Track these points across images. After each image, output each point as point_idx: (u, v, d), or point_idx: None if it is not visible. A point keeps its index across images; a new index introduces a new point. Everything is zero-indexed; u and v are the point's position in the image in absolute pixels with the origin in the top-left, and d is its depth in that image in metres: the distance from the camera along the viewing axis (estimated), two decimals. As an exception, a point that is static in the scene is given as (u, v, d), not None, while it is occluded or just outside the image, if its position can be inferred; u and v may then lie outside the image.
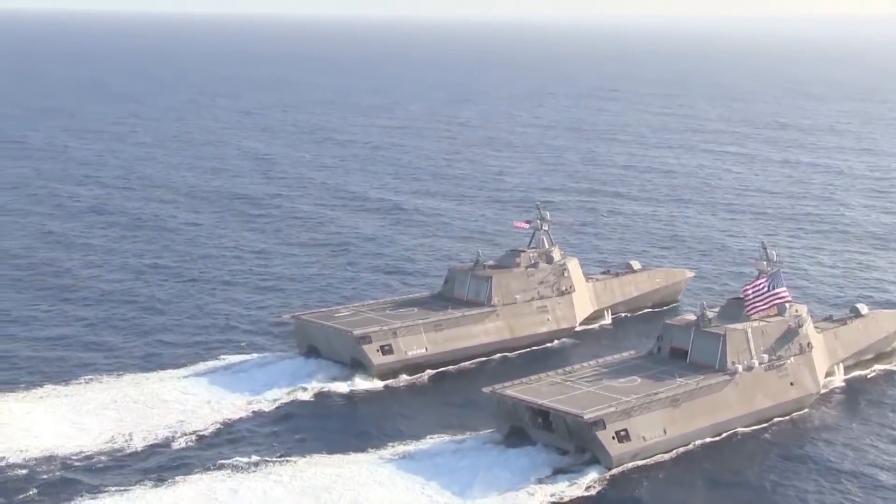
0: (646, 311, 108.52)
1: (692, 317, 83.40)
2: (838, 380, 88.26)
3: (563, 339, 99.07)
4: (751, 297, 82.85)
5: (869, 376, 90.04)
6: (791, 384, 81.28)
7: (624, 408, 71.85)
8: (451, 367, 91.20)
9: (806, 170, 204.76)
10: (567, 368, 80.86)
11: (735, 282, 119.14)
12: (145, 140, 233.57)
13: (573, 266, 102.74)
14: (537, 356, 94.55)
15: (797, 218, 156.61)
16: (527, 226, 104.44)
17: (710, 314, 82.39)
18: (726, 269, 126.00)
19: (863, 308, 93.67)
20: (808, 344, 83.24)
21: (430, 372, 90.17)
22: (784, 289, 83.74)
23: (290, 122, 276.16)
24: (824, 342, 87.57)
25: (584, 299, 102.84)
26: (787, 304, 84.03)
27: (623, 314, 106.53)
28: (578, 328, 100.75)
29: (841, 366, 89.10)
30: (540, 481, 68.51)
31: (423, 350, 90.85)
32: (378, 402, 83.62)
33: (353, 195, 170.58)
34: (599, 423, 70.23)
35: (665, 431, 73.33)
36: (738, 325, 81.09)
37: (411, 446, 73.46)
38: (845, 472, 71.41)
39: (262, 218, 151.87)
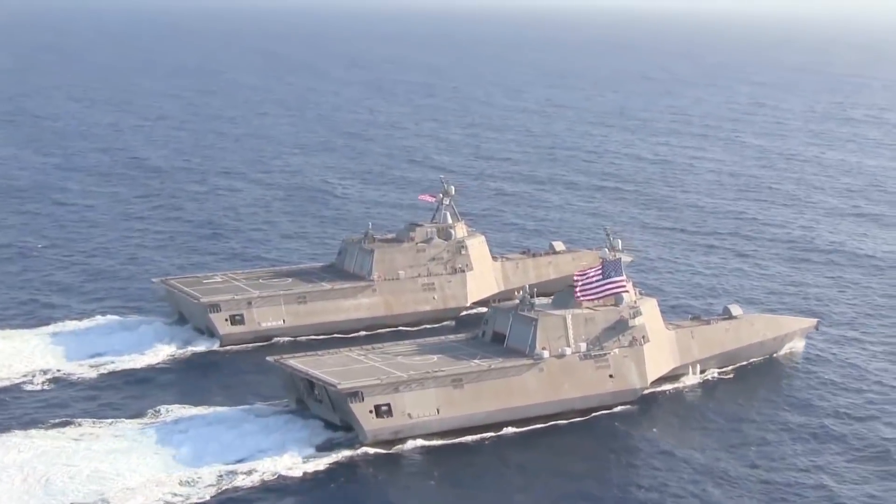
0: None
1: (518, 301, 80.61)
2: (692, 380, 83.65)
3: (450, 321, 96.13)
4: (580, 283, 79.56)
5: (724, 380, 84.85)
6: (610, 376, 77.63)
7: (390, 382, 70.06)
8: (312, 339, 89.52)
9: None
10: (378, 345, 79.36)
11: (672, 272, 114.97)
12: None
13: (474, 244, 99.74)
14: (411, 335, 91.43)
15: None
16: (432, 199, 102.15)
17: (534, 299, 79.53)
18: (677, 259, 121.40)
19: (735, 309, 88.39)
20: (643, 337, 79.25)
21: (280, 341, 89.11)
22: (622, 278, 80.00)
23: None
24: (675, 339, 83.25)
25: (485, 279, 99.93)
26: (624, 295, 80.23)
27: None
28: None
29: (697, 366, 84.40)
30: (296, 453, 67.13)
31: (281, 322, 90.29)
32: (204, 368, 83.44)
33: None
34: (357, 396, 68.63)
35: (438, 411, 71.09)
36: (557, 312, 77.98)
37: (193, 411, 73.15)
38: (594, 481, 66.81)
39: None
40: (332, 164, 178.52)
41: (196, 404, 74.17)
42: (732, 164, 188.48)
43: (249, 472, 64.43)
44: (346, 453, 68.02)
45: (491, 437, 72.03)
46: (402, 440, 69.83)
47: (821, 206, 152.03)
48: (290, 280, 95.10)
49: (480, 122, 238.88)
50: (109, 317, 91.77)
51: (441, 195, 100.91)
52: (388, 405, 69.32)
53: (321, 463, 66.57)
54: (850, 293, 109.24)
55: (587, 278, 79.35)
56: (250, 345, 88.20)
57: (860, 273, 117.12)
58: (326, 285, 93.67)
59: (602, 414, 76.44)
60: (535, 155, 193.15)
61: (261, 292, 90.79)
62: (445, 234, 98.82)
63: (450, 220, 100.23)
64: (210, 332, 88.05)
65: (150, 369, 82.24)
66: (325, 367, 72.71)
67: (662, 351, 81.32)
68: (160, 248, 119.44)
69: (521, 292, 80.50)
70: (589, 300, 79.27)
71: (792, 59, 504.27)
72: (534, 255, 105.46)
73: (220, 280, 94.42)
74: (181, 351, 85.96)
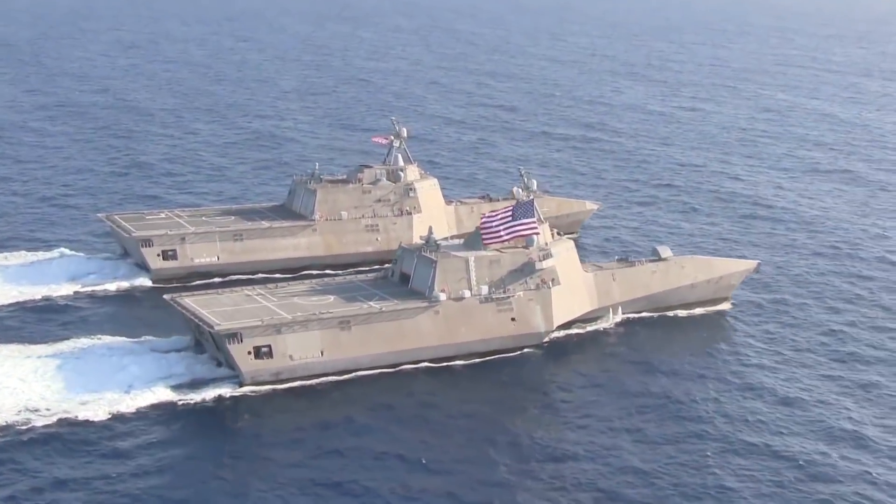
0: None
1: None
2: (608, 322, 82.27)
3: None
4: (486, 226, 78.47)
5: (643, 324, 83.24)
6: (512, 319, 76.74)
7: (271, 323, 70.22)
8: (249, 277, 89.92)
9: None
10: (283, 283, 79.55)
11: (640, 219, 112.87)
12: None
13: (425, 186, 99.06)
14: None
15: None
16: (384, 141, 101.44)
17: (442, 241, 78.80)
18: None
19: (664, 251, 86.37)
20: (553, 280, 78.03)
21: (218, 280, 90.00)
22: (533, 220, 78.63)
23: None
24: (594, 282, 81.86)
25: (435, 222, 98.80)
26: (535, 237, 78.94)
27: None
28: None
29: (619, 309, 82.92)
30: (174, 388, 68.06)
31: (215, 259, 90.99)
32: (118, 302, 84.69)
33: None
34: (235, 337, 68.94)
35: (322, 353, 71.13)
36: (459, 254, 77.14)
37: (92, 342, 74.26)
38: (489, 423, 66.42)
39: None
40: (314, 107, 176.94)
41: (99, 334, 75.16)
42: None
43: (116, 402, 65.50)
44: (226, 391, 68.31)
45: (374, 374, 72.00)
46: (284, 381, 69.93)
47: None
48: (232, 218, 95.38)
49: (496, 71, 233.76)
50: (61, 249, 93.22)
51: (392, 137, 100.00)
52: (269, 346, 69.51)
53: (196, 398, 67.32)
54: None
55: (495, 220, 78.14)
56: (183, 281, 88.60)
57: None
58: (265, 223, 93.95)
59: (499, 357, 75.50)
60: (535, 104, 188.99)
61: (196, 228, 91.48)
62: (394, 176, 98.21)
63: (401, 163, 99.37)
64: (144, 267, 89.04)
65: (72, 299, 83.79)
66: (216, 306, 73.11)
67: (576, 294, 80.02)
68: (118, 183, 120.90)
69: (427, 234, 79.60)
70: (496, 243, 78.13)
71: None
72: (491, 200, 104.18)
73: (163, 217, 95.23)
74: (109, 284, 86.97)
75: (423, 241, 78.61)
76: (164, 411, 65.59)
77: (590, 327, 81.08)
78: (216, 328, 68.70)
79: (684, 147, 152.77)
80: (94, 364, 69.92)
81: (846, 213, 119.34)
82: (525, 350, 76.85)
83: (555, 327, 78.12)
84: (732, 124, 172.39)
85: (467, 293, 75.47)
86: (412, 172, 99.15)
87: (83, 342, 73.51)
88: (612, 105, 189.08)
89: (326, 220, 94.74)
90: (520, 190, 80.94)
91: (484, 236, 78.09)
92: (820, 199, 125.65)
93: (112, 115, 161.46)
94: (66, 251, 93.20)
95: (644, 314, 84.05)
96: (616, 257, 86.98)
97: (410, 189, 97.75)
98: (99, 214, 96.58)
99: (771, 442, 64.10)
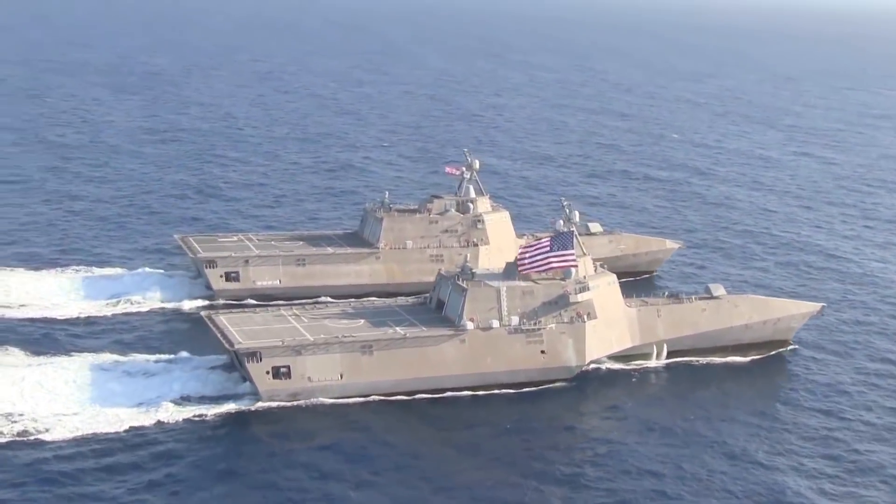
0: None
1: (466, 271, 79.57)
2: (655, 362, 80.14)
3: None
4: (523, 256, 77.76)
5: (690, 367, 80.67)
6: (542, 352, 75.63)
7: (291, 344, 71.21)
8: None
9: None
10: (317, 305, 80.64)
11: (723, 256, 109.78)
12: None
13: (494, 219, 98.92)
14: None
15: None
16: (456, 172, 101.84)
17: (476, 269, 78.51)
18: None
19: (717, 289, 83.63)
20: (589, 314, 76.67)
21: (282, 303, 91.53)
22: (571, 252, 77.48)
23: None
24: (636, 317, 80.00)
25: (503, 254, 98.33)
26: (573, 269, 77.75)
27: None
28: None
29: (664, 347, 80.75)
30: (182, 401, 69.86)
31: (277, 282, 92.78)
32: (172, 320, 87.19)
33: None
34: (254, 356, 70.20)
35: (342, 376, 71.65)
36: (491, 283, 76.60)
37: (134, 358, 76.91)
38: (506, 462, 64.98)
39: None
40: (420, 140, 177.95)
41: (136, 352, 77.59)
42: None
43: (138, 414, 67.62)
44: (234, 406, 69.71)
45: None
46: (302, 401, 70.71)
47: None
48: (300, 243, 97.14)
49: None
50: (147, 269, 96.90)
51: (464, 168, 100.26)
52: (288, 367, 70.43)
53: (217, 413, 68.63)
54: None
55: (533, 250, 77.40)
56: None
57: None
58: (330, 250, 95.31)
59: (529, 391, 74.49)
60: (640, 143, 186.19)
61: (260, 252, 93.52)
62: (463, 207, 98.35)
63: (472, 194, 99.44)
64: (210, 288, 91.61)
65: (130, 315, 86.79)
66: (247, 325, 74.57)
67: (613, 328, 78.29)
68: (204, 207, 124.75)
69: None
70: (532, 272, 77.28)
71: None
72: None
73: (235, 240, 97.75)
74: (175, 303, 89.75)
75: (459, 269, 78.26)
76: (176, 426, 67.02)
77: (633, 364, 78.90)
78: (236, 346, 69.99)
79: (779, 193, 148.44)
80: (119, 379, 72.20)
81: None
82: (558, 383, 75.32)
83: (587, 362, 76.53)
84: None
85: (496, 323, 74.70)
86: (483, 204, 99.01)
87: (116, 358, 76.03)
88: (723, 149, 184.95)
89: (391, 248, 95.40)
90: (562, 222, 79.74)
91: (520, 266, 77.33)
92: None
93: (213, 139, 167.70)
94: (148, 269, 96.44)
95: (693, 358, 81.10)
96: (665, 293, 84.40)
97: (479, 220, 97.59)
98: (175, 236, 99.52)
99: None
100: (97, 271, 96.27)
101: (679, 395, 75.68)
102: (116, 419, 67.14)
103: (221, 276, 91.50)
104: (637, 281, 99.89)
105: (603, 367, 78.37)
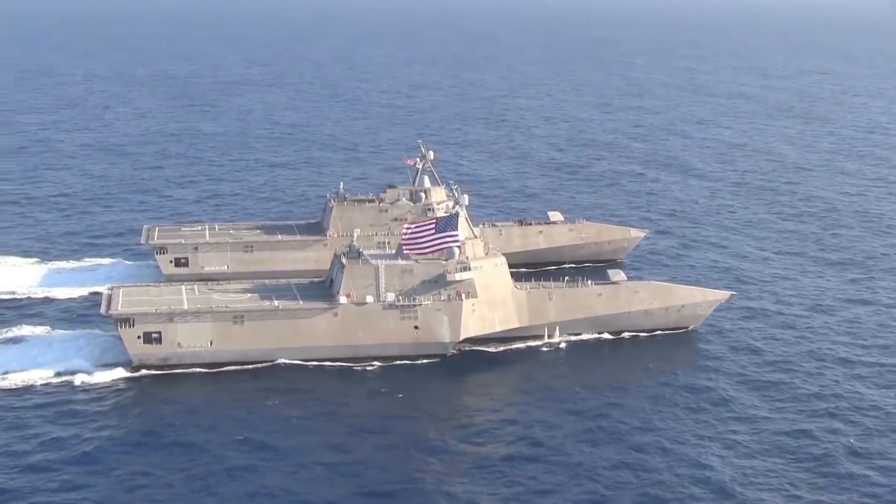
0: (569, 265, 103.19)
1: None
2: (544, 341, 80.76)
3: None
4: (408, 237, 79.79)
5: (578, 347, 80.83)
6: (416, 328, 77.42)
7: (164, 311, 75.17)
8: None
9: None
10: (225, 283, 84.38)
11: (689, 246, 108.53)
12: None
13: (447, 208, 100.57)
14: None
15: None
16: (411, 162, 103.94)
17: (369, 250, 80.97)
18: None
19: (616, 274, 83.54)
20: (469, 293, 78.12)
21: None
22: (455, 233, 79.09)
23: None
24: (525, 299, 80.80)
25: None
26: (455, 249, 79.30)
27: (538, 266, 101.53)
28: None
29: (556, 328, 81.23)
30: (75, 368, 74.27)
31: (224, 267, 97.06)
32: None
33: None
34: (127, 322, 74.46)
35: (212, 343, 75.18)
36: (373, 261, 78.85)
37: (38, 330, 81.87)
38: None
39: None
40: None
41: (57, 327, 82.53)
42: None
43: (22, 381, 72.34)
44: (112, 373, 73.72)
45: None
46: (173, 367, 74.48)
47: None
48: (257, 232, 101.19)
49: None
50: (110, 259, 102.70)
51: (419, 159, 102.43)
52: (160, 333, 74.39)
53: (95, 378, 72.84)
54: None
55: (416, 231, 79.33)
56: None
57: None
58: (279, 237, 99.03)
59: (400, 364, 76.37)
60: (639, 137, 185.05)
61: (210, 239, 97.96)
62: (416, 196, 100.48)
63: (427, 184, 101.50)
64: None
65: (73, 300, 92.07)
66: (140, 296, 78.95)
67: (497, 308, 79.30)
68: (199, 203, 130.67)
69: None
70: (415, 253, 79.19)
71: None
72: (522, 224, 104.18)
73: (198, 229, 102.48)
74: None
75: (347, 248, 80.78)
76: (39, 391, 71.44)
77: (520, 344, 79.73)
78: (109, 312, 74.37)
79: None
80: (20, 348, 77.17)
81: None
82: (434, 358, 76.89)
83: (461, 339, 77.75)
84: None
85: (370, 298, 76.88)
86: (437, 194, 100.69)
87: (25, 330, 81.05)
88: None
89: (339, 236, 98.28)
90: (450, 204, 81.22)
91: (405, 247, 79.32)
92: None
93: (225, 141, 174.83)
94: (126, 261, 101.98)
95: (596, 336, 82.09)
96: (565, 277, 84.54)
97: (429, 209, 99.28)
98: (146, 226, 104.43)
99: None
100: (73, 263, 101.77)
101: (560, 372, 76.13)
102: None
103: (171, 262, 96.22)
104: (586, 268, 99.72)
105: (488, 347, 79.12)
